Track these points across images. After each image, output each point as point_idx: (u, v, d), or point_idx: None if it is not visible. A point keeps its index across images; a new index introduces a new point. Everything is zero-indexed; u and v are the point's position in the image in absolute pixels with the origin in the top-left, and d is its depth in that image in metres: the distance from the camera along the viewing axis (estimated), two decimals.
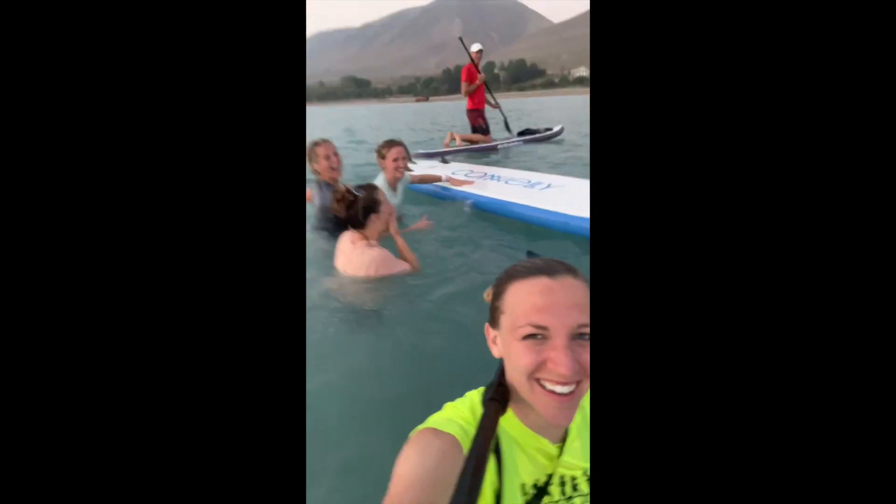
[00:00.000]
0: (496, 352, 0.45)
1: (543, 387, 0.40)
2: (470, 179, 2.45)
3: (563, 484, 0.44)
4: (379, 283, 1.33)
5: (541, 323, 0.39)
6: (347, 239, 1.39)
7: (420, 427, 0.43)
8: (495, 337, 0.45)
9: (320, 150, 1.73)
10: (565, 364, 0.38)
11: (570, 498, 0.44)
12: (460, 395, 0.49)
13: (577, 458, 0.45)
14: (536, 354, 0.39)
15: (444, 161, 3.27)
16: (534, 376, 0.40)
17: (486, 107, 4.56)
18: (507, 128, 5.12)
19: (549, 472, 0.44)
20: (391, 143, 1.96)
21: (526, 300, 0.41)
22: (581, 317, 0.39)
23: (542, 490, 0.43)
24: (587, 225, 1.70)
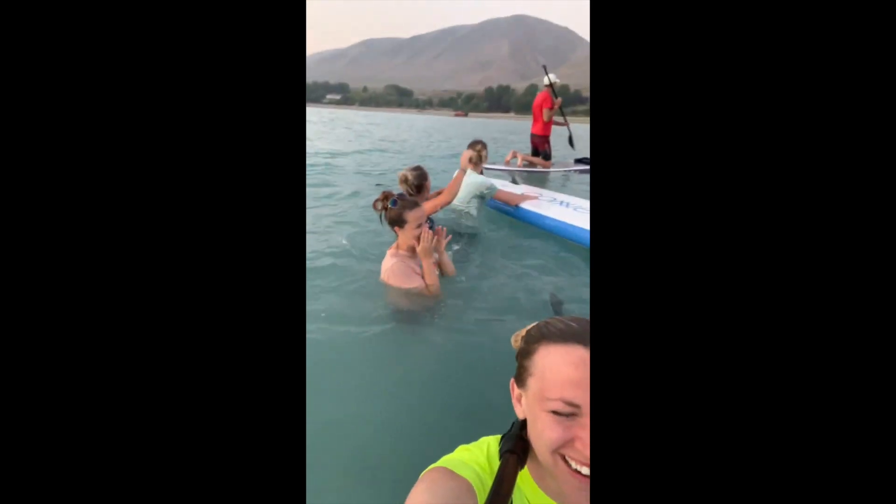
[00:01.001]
0: (520, 412, 0.44)
1: (568, 465, 0.38)
2: (534, 194, 2.56)
3: None
4: (397, 292, 1.37)
5: (573, 401, 0.38)
6: (388, 252, 1.46)
7: (433, 466, 0.43)
8: (520, 396, 0.44)
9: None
10: None
11: None
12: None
13: None
14: (564, 430, 0.38)
15: (514, 182, 3.24)
16: (559, 452, 0.38)
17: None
18: (571, 144, 5.13)
19: None
20: (481, 145, 2.16)
21: (558, 371, 0.39)
22: None
23: None
24: None
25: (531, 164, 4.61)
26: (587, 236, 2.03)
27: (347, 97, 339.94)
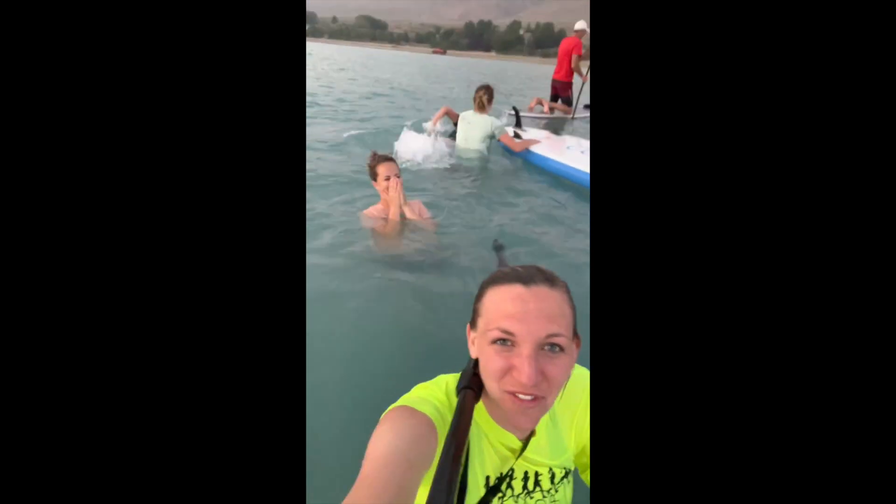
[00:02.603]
0: (473, 352, 0.48)
1: (512, 393, 0.42)
2: (537, 139, 2.76)
3: (525, 479, 0.47)
4: (369, 233, 1.56)
5: (509, 329, 0.41)
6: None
7: (394, 405, 0.45)
8: (474, 338, 0.48)
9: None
10: (527, 373, 0.40)
11: (530, 492, 0.48)
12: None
13: (541, 456, 0.48)
14: (504, 360, 0.42)
15: (517, 136, 3.14)
16: (500, 381, 0.42)
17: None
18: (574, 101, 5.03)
19: (511, 465, 0.47)
20: (491, 89, 2.52)
21: (498, 306, 0.43)
22: (550, 327, 0.41)
23: (502, 482, 0.46)
24: None
25: (553, 110, 4.70)
26: (586, 176, 2.31)
27: (314, 28, 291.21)
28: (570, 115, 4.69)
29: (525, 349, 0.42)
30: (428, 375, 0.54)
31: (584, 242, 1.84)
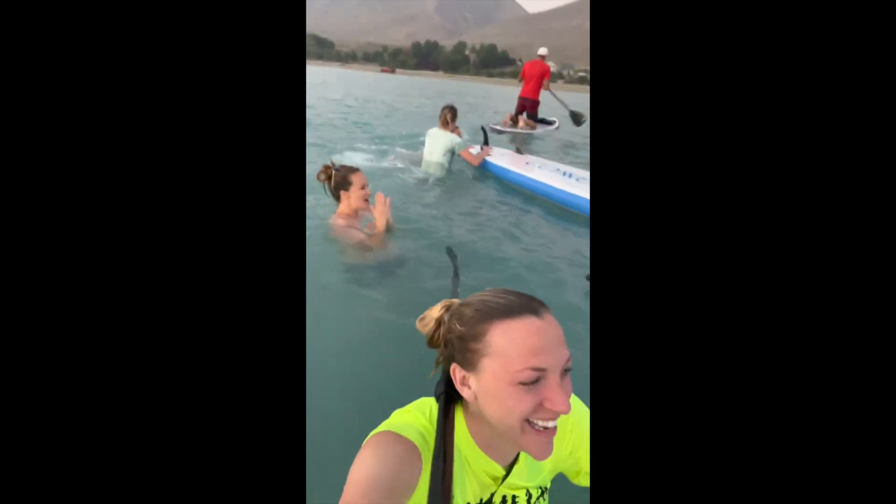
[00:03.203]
0: (469, 394, 0.44)
1: (534, 426, 0.41)
2: (486, 151, 3.04)
3: (504, 503, 0.47)
4: (344, 246, 1.55)
5: (541, 366, 0.40)
6: (336, 214, 1.65)
7: (376, 430, 0.44)
8: (466, 378, 0.45)
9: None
10: (563, 402, 0.40)
11: None
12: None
13: (520, 480, 0.48)
14: (534, 397, 0.40)
15: (519, 151, 3.50)
16: (528, 418, 0.41)
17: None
18: (575, 121, 5.36)
19: (492, 491, 0.47)
20: (455, 110, 2.83)
21: (522, 343, 0.41)
22: (566, 353, 0.42)
23: None
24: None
25: (525, 126, 5.13)
26: (543, 188, 2.63)
27: None
28: (534, 129, 5.35)
29: (553, 379, 0.41)
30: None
31: (521, 242, 2.09)
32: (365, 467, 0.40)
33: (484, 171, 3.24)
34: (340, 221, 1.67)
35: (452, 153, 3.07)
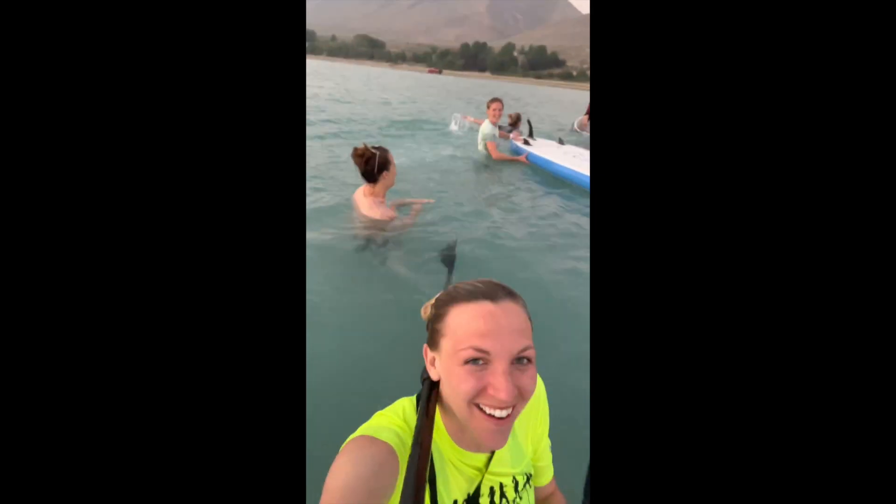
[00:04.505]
0: (434, 374, 0.47)
1: (483, 411, 0.42)
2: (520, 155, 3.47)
3: (492, 493, 0.48)
4: (372, 223, 1.66)
5: (483, 347, 0.41)
6: (360, 191, 1.71)
7: (353, 435, 0.44)
8: (433, 359, 0.47)
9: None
10: (505, 389, 0.40)
11: None
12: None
13: (503, 467, 0.49)
14: (477, 380, 0.41)
15: (561, 141, 3.81)
16: (474, 401, 0.42)
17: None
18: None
19: (478, 482, 0.47)
20: (494, 99, 3.44)
21: (469, 324, 0.42)
22: (521, 341, 0.42)
23: (472, 501, 0.46)
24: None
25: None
26: (568, 172, 3.02)
27: (314, 45, 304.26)
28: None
29: (500, 366, 0.42)
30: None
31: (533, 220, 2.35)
32: (341, 474, 0.40)
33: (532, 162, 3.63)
34: (370, 199, 1.76)
35: (486, 141, 3.65)
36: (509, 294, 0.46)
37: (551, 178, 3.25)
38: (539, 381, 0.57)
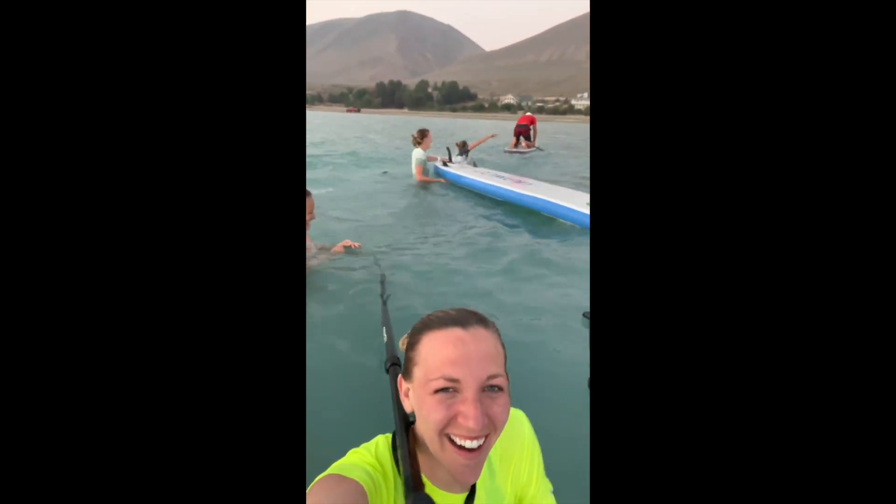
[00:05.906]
0: (408, 406, 0.46)
1: (453, 442, 0.41)
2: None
3: None
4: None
5: (453, 376, 0.41)
6: None
7: (321, 476, 0.43)
8: (407, 390, 0.46)
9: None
10: (474, 417, 0.39)
11: None
12: None
13: None
14: (447, 408, 0.41)
15: (474, 164, 4.65)
16: (444, 432, 0.41)
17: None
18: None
19: None
20: (425, 132, 3.86)
21: (440, 351, 0.42)
22: (491, 368, 0.41)
23: None
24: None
25: (528, 147, 7.21)
26: (479, 185, 3.80)
27: None
28: (535, 147, 7.49)
29: (469, 393, 0.41)
30: None
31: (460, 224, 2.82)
32: None
33: (451, 180, 4.41)
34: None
35: (423, 164, 4.33)
36: (480, 321, 0.46)
37: (468, 193, 3.98)
38: (526, 421, 0.57)
